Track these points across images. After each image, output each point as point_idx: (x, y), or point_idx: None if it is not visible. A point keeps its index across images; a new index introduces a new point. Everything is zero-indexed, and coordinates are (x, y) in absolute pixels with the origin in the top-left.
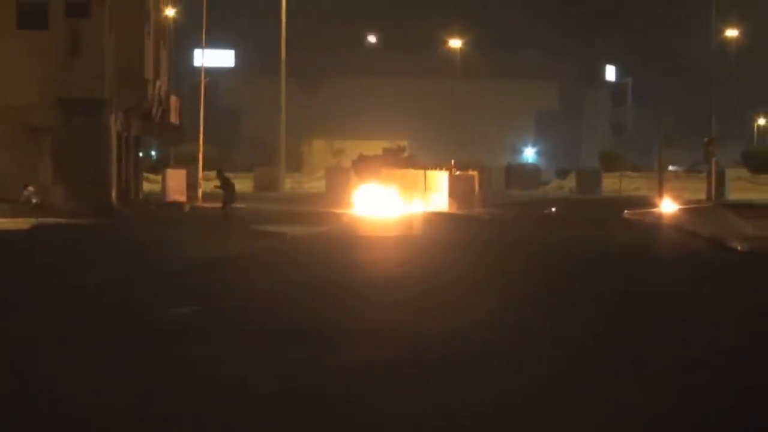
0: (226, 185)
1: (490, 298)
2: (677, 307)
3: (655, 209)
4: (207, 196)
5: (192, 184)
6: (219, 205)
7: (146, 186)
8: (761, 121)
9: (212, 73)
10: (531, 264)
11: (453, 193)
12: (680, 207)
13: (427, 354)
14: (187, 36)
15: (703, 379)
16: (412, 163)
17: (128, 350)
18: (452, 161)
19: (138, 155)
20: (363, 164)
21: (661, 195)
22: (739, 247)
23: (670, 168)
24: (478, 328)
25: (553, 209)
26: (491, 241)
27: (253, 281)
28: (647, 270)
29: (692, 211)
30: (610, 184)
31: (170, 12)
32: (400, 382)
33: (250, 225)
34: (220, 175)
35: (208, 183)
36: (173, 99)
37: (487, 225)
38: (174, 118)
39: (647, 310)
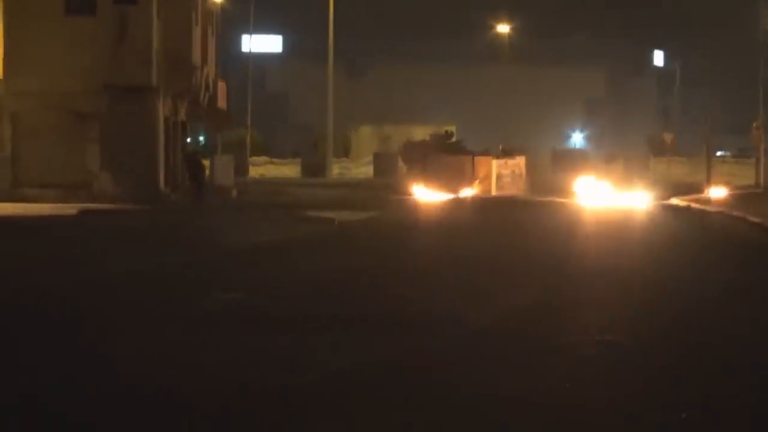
0: (198, 170)
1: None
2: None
3: (702, 195)
4: (255, 182)
5: (239, 170)
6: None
7: None
8: None
9: (260, 58)
10: (586, 248)
11: (501, 178)
12: (728, 193)
13: (466, 342)
14: (235, 21)
15: None
16: (459, 148)
17: (180, 335)
18: (500, 147)
19: (185, 141)
20: (410, 150)
21: (708, 181)
22: None
23: (718, 153)
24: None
25: None
26: (544, 227)
27: (300, 267)
28: (694, 256)
29: (741, 196)
30: (659, 169)
31: None
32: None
33: (298, 210)
34: (191, 158)
35: (256, 168)
36: (220, 85)
37: (536, 209)
38: (221, 104)
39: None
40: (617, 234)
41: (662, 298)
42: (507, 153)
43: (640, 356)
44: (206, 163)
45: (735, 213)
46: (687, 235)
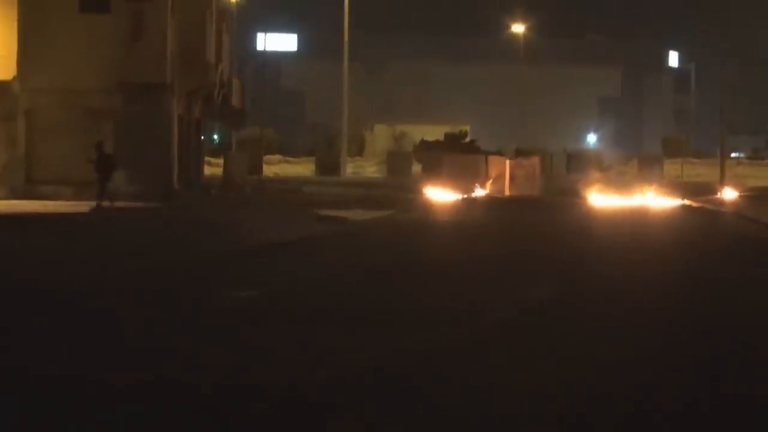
0: (106, 164)
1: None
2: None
3: (716, 196)
4: (268, 180)
5: (253, 168)
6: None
7: (208, 170)
8: None
9: (274, 57)
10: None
11: (514, 178)
12: (740, 194)
13: (475, 336)
14: (250, 19)
15: None
16: (473, 148)
17: (195, 332)
18: (515, 148)
19: (200, 139)
20: (424, 149)
21: (722, 182)
22: None
23: (733, 155)
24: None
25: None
26: (550, 225)
27: (313, 265)
28: (703, 254)
29: (753, 198)
30: (672, 170)
31: None
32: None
33: (311, 209)
34: (98, 149)
35: (270, 167)
36: (235, 83)
37: (548, 209)
38: (236, 102)
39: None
40: (628, 233)
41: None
42: (521, 153)
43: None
44: (219, 161)
45: (745, 214)
46: (697, 235)
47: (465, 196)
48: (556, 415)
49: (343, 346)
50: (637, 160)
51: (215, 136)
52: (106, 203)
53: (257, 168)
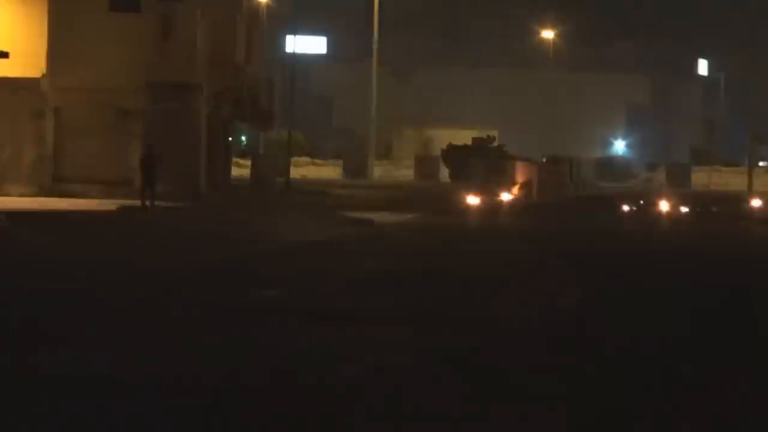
0: (153, 166)
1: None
2: None
3: (743, 204)
4: (295, 182)
5: (281, 170)
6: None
7: (236, 171)
8: None
9: (304, 59)
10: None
11: (542, 184)
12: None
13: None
14: (280, 21)
15: None
16: (501, 153)
17: (217, 329)
18: (542, 156)
19: (228, 140)
20: (452, 153)
21: (750, 191)
22: None
23: (761, 164)
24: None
25: (641, 202)
26: (568, 232)
27: (340, 266)
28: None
29: None
30: (700, 178)
31: None
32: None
33: (338, 211)
34: (148, 150)
35: (298, 169)
36: (264, 85)
37: (576, 214)
38: (264, 104)
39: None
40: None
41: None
42: (549, 159)
43: None
44: (247, 162)
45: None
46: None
47: (492, 200)
48: None
49: (361, 345)
50: (665, 168)
51: (243, 138)
52: (147, 204)
53: (285, 170)
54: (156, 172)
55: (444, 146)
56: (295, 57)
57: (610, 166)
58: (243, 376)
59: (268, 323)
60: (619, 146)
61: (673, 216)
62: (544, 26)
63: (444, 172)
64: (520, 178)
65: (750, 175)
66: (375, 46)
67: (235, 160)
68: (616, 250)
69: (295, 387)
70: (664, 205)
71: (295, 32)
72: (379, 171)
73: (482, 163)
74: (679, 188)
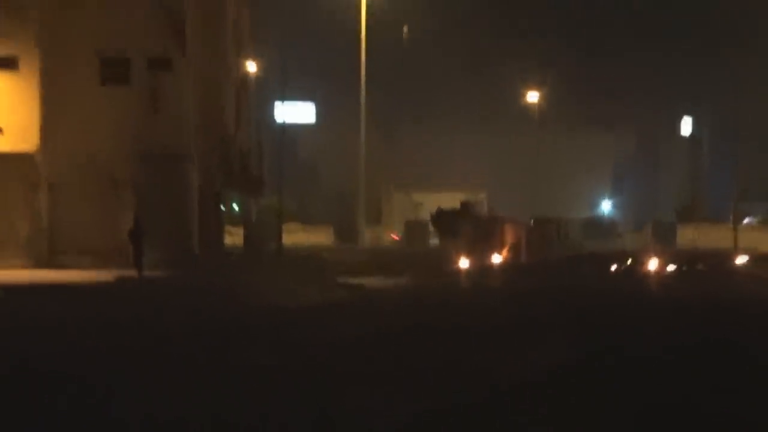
0: (140, 235)
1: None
2: None
3: (728, 260)
4: (287, 248)
5: (273, 236)
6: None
7: (228, 238)
8: None
9: (292, 127)
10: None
11: (530, 244)
12: (750, 259)
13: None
14: (268, 89)
15: None
16: (489, 215)
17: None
18: (531, 215)
19: (219, 208)
20: (441, 217)
21: (735, 247)
22: None
23: (746, 221)
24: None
25: (628, 261)
26: (567, 290)
27: (332, 330)
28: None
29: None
30: (686, 235)
31: (251, 67)
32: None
33: (331, 276)
34: (135, 221)
35: (289, 235)
36: (253, 151)
37: (561, 275)
38: (254, 171)
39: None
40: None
41: None
42: (537, 220)
43: None
44: (239, 230)
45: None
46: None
47: (483, 262)
48: None
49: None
50: (651, 225)
51: (234, 205)
52: (139, 272)
53: (277, 236)
54: (143, 243)
55: (433, 210)
56: (283, 124)
57: (597, 225)
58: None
59: (262, 385)
60: (606, 206)
61: (660, 274)
62: (531, 87)
63: (433, 236)
64: (509, 239)
65: (735, 232)
66: (363, 111)
67: (228, 227)
68: (606, 311)
69: None
70: (651, 264)
71: (283, 99)
72: (369, 235)
73: (471, 226)
74: (665, 246)
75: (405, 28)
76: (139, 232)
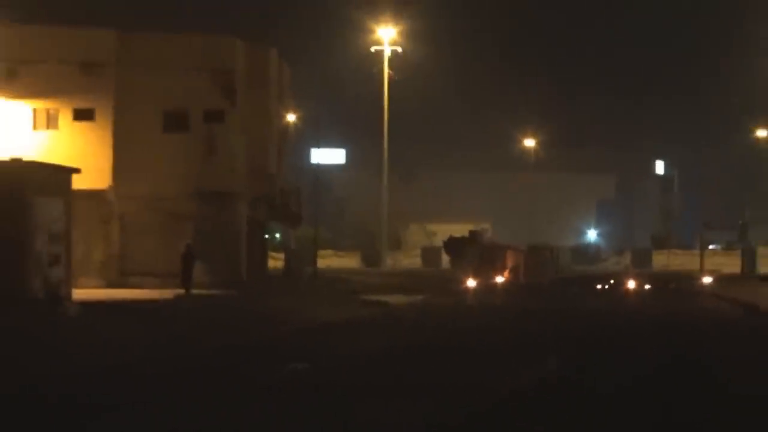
0: (190, 260)
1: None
2: None
3: (696, 281)
4: (322, 271)
5: (309, 261)
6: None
7: (271, 263)
8: None
9: (325, 168)
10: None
11: (528, 268)
12: (714, 279)
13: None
14: (306, 137)
15: None
16: (494, 242)
17: (254, 401)
18: (527, 243)
19: (264, 237)
20: (452, 244)
21: (702, 270)
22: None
23: (711, 247)
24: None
25: (612, 282)
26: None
27: (360, 342)
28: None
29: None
30: (660, 260)
31: (291, 117)
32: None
33: (358, 294)
34: (187, 248)
35: (323, 260)
36: (292, 190)
37: (559, 292)
38: (293, 206)
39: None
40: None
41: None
42: (533, 247)
43: None
44: (280, 255)
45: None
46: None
47: (487, 282)
48: None
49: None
50: (631, 252)
51: (277, 234)
52: (187, 290)
53: (312, 261)
54: (193, 266)
55: (445, 238)
56: (318, 166)
57: (584, 251)
58: None
59: (294, 394)
60: (592, 235)
61: (639, 292)
62: (526, 135)
63: (446, 260)
64: (510, 263)
65: (702, 257)
66: (385, 158)
67: (270, 253)
68: (596, 323)
69: None
70: (631, 284)
71: (318, 146)
72: (390, 260)
73: (478, 252)
74: (642, 269)
75: (391, 72)
76: (190, 257)
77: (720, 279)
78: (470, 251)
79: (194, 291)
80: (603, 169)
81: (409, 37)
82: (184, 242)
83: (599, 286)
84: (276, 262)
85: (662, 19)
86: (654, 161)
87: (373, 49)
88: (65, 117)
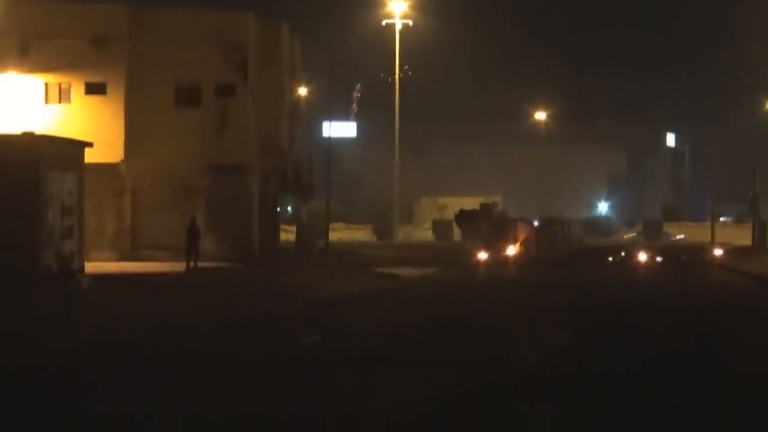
0: (194, 234)
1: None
2: None
3: (707, 253)
4: (333, 244)
5: (321, 234)
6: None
7: (283, 236)
8: None
9: (336, 142)
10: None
11: (539, 240)
12: (725, 251)
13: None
14: (317, 110)
15: None
16: (504, 215)
17: (269, 371)
18: (539, 215)
19: (276, 210)
20: (463, 217)
21: (713, 242)
22: None
23: (721, 219)
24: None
25: (623, 254)
26: (558, 284)
27: (370, 316)
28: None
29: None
30: (671, 231)
31: (303, 91)
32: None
33: (369, 267)
34: (191, 222)
35: (334, 233)
36: (304, 163)
37: (573, 265)
38: (305, 180)
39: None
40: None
41: None
42: (545, 219)
43: None
44: (292, 228)
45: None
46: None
47: (498, 255)
48: None
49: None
50: (642, 224)
51: (289, 208)
52: (191, 264)
53: (324, 234)
54: (198, 239)
55: (456, 211)
56: (330, 140)
57: (595, 224)
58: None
59: (307, 365)
60: (603, 207)
61: (651, 265)
62: (537, 108)
63: (457, 233)
64: (521, 236)
65: (712, 229)
66: (396, 128)
67: (282, 226)
68: (608, 298)
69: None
70: (641, 256)
71: (330, 119)
72: (402, 233)
73: (489, 225)
74: (653, 241)
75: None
76: (194, 231)
77: (731, 251)
78: (481, 224)
79: (203, 264)
80: (614, 143)
81: (421, 10)
82: (199, 216)
83: (610, 259)
84: (288, 235)
85: None
86: (665, 134)
87: (384, 22)
88: (77, 91)
